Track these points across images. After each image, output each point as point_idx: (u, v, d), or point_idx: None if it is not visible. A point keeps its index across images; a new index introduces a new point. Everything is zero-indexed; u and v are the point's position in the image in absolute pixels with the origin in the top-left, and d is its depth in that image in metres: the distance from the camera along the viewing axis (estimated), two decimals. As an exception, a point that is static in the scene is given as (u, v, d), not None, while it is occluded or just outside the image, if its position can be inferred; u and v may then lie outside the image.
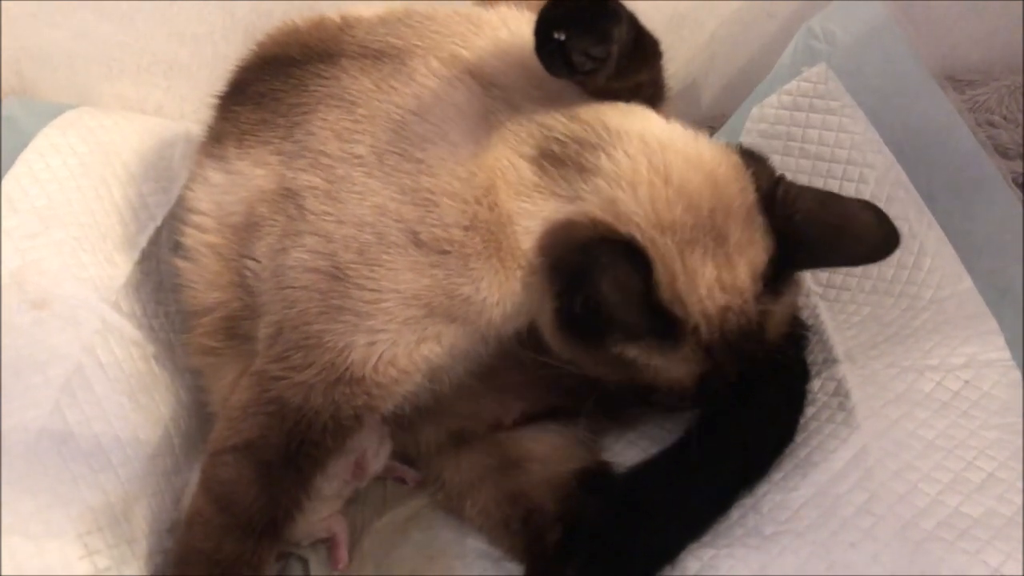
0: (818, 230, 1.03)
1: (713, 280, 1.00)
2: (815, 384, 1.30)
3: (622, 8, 0.97)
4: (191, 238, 1.22)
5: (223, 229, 1.18)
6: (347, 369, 1.07)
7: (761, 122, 1.54)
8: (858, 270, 1.41)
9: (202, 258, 1.21)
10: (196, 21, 1.68)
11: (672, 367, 1.04)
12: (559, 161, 1.03)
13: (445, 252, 1.04)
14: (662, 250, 0.99)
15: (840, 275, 1.43)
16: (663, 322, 1.00)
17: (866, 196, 1.41)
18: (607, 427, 1.36)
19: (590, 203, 1.01)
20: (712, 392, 1.06)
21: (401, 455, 1.38)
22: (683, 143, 1.05)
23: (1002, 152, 1.64)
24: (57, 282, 1.29)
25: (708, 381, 1.06)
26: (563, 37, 0.92)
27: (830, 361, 1.32)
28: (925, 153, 1.43)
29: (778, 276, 1.05)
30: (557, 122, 1.05)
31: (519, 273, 1.05)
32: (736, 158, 1.05)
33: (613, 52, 0.95)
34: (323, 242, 1.07)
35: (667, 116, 1.12)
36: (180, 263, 1.25)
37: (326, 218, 1.07)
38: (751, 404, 1.19)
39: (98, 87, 1.72)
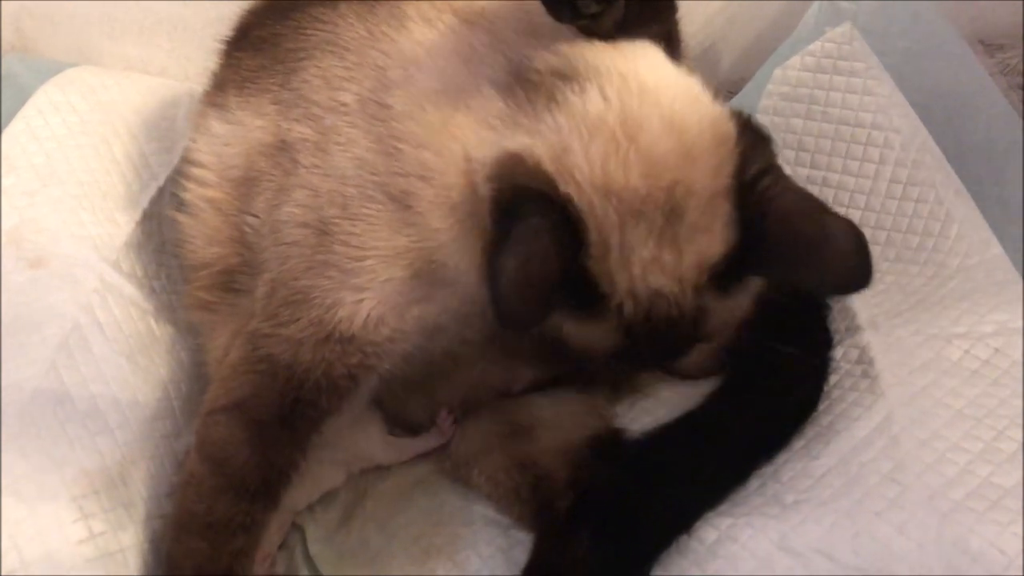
0: (788, 239, 0.89)
1: (650, 260, 0.89)
2: (838, 352, 1.26)
3: None
4: (191, 192, 1.20)
5: (223, 183, 1.16)
6: (335, 326, 1.03)
7: (783, 84, 1.49)
8: (882, 237, 1.37)
9: (201, 213, 1.19)
10: (200, -21, 1.65)
11: (586, 335, 0.97)
12: (532, 86, 0.95)
13: (408, 207, 0.98)
14: (600, 218, 0.89)
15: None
16: (586, 291, 0.91)
17: (891, 161, 1.39)
18: (621, 394, 1.33)
19: (544, 143, 0.91)
20: (624, 366, 0.99)
21: (409, 423, 1.35)
22: (670, 98, 0.93)
23: None
24: (55, 240, 1.27)
25: (622, 358, 0.98)
26: None
27: (853, 329, 1.28)
28: (953, 117, 1.39)
29: (731, 274, 0.93)
30: (539, 58, 0.97)
31: (477, 232, 0.95)
32: (730, 130, 0.93)
33: None
34: (311, 196, 1.04)
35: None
36: (180, 217, 1.22)
37: (315, 171, 1.04)
38: (773, 372, 1.16)
39: (100, 46, 1.69)
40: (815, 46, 1.47)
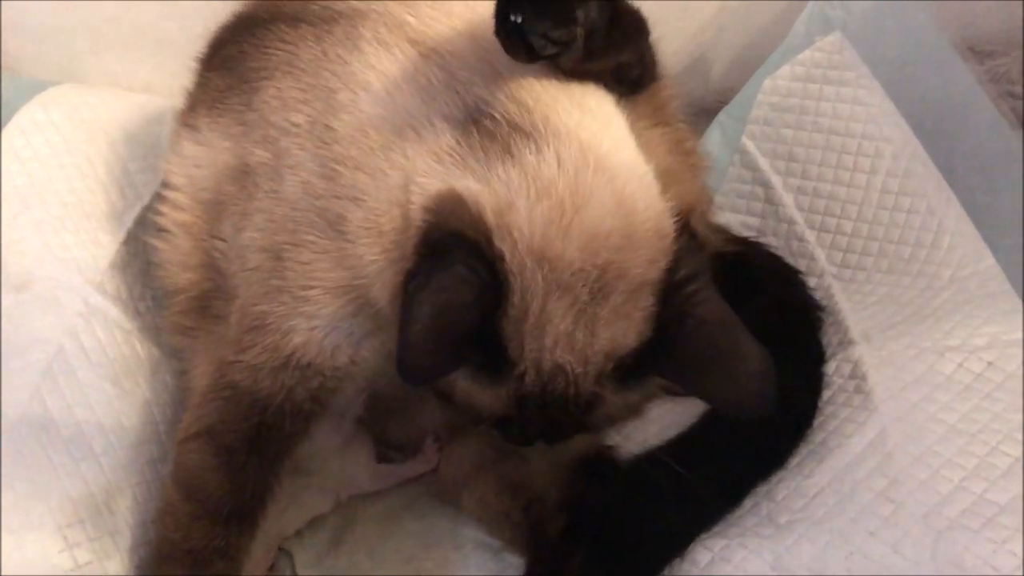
0: (700, 348, 0.89)
1: (564, 334, 0.88)
2: (830, 366, 1.25)
3: None
4: (166, 216, 1.19)
5: (195, 206, 1.15)
6: (292, 353, 1.02)
7: (773, 95, 1.48)
8: (874, 248, 1.36)
9: (174, 238, 1.18)
10: (185, -6, 1.62)
11: (476, 395, 0.95)
12: (489, 134, 0.92)
13: (342, 233, 0.96)
14: (528, 282, 0.87)
15: (855, 255, 1.38)
16: (491, 352, 0.90)
17: (882, 171, 1.37)
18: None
19: (491, 193, 0.89)
20: (500, 432, 0.99)
21: (397, 446, 1.34)
22: (624, 180, 0.91)
23: None
24: (39, 263, 1.25)
25: (502, 426, 0.98)
26: (519, 19, 0.84)
27: (845, 342, 1.27)
28: (944, 126, 1.39)
29: (635, 369, 0.92)
30: (496, 99, 0.94)
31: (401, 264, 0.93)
32: (671, 227, 0.92)
33: (577, 35, 0.87)
34: (268, 221, 1.03)
35: (650, 105, 1.07)
36: (155, 242, 1.22)
37: (271, 196, 1.03)
38: None
39: (84, 62, 1.67)
40: (805, 55, 1.46)
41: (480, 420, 0.99)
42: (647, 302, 0.90)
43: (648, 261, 0.90)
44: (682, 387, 0.96)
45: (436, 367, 0.88)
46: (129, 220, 1.39)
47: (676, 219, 0.94)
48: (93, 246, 1.32)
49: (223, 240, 1.11)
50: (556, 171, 0.89)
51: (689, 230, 0.95)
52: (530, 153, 0.90)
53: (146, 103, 1.57)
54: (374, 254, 0.95)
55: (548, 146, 0.90)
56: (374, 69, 1.00)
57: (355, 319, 1.01)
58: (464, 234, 0.87)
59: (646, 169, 0.96)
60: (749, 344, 0.88)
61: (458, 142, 0.92)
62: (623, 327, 0.89)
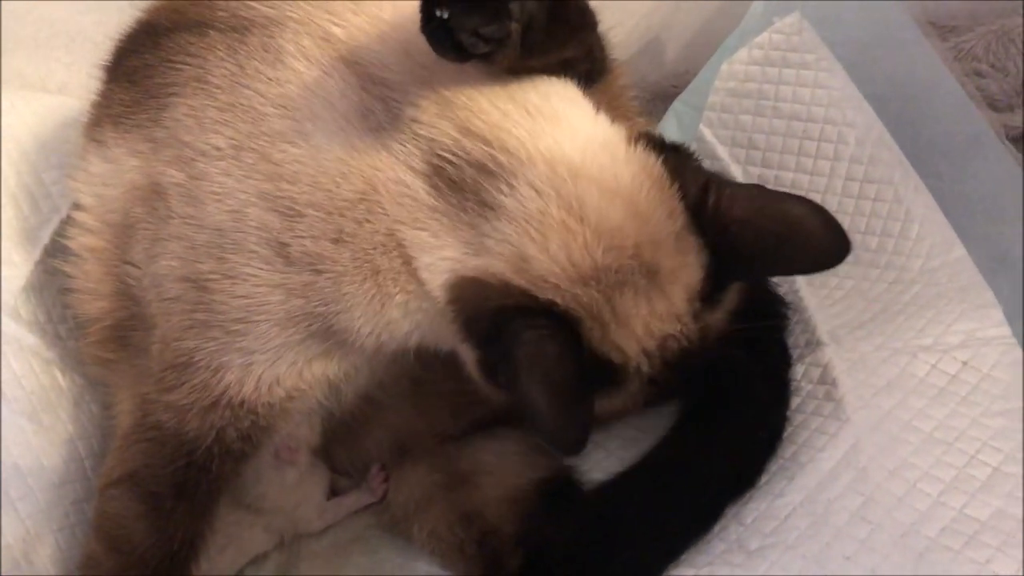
0: (757, 240, 0.91)
1: (648, 316, 0.91)
2: (798, 370, 1.22)
3: None
4: (74, 240, 1.12)
5: (104, 229, 1.08)
6: (224, 392, 0.98)
7: (731, 80, 1.43)
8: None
9: (84, 263, 1.11)
10: (100, -17, 1.53)
11: (615, 404, 0.97)
12: (456, 186, 0.90)
13: (318, 272, 0.93)
14: (587, 304, 0.88)
15: (820, 246, 1.33)
16: (602, 372, 0.91)
17: (846, 158, 1.34)
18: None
19: (499, 258, 0.89)
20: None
21: (342, 471, 1.28)
22: (599, 165, 0.91)
23: (992, 104, 1.57)
24: (-56, 289, 1.17)
25: (648, 404, 1.02)
26: (446, 15, 0.79)
27: (813, 344, 1.24)
28: (910, 109, 1.34)
29: (715, 288, 0.95)
30: (447, 136, 0.91)
31: (400, 298, 0.94)
32: (660, 170, 0.92)
33: (512, 31, 0.82)
34: (187, 248, 0.97)
35: (603, 99, 1.00)
36: (64, 267, 1.15)
37: (190, 221, 0.97)
38: (732, 402, 1.12)
39: (-11, 63, 1.56)
40: (763, 38, 1.41)
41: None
42: (690, 241, 0.91)
43: (667, 215, 0.91)
44: (766, 275, 1.08)
45: (582, 425, 0.89)
46: (45, 236, 1.29)
47: (655, 154, 0.94)
48: (6, 267, 1.23)
49: (136, 266, 1.04)
50: (540, 201, 0.89)
51: (669, 148, 0.96)
52: (505, 196, 0.89)
53: (60, 105, 1.46)
54: (364, 291, 0.94)
55: (517, 179, 0.89)
56: (312, 93, 0.94)
57: (300, 346, 0.98)
58: (506, 306, 0.88)
59: (609, 134, 0.95)
60: (794, 207, 0.91)
61: (435, 199, 0.91)
62: (686, 273, 0.92)
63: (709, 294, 0.93)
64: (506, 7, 0.81)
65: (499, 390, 0.94)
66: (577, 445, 0.89)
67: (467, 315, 0.90)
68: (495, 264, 0.89)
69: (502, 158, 0.89)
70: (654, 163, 0.92)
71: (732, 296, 0.99)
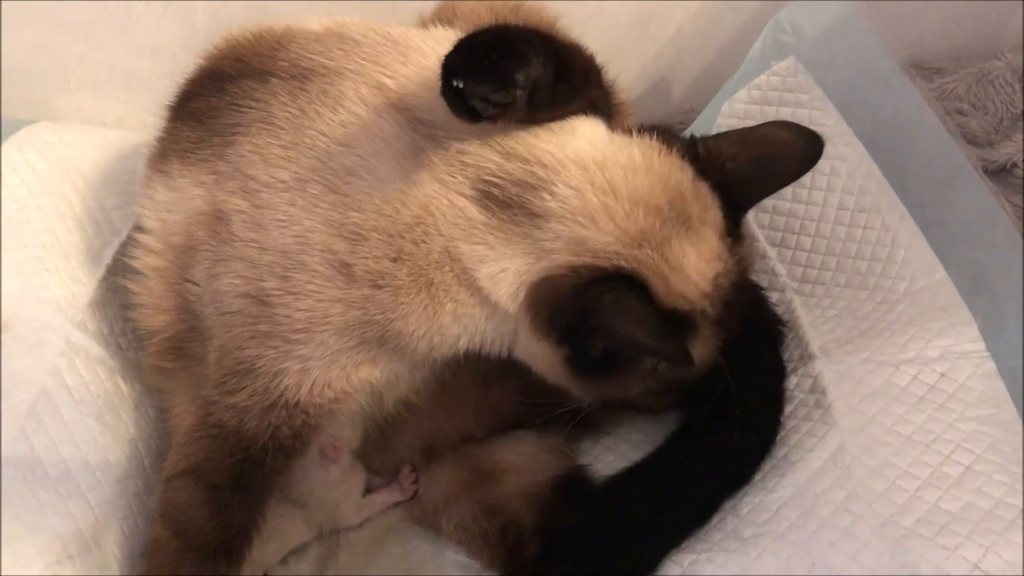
0: (748, 167, 1.08)
1: (696, 261, 1.02)
2: (791, 381, 1.29)
3: (533, 47, 0.92)
4: (139, 260, 1.21)
5: (167, 251, 1.17)
6: (281, 395, 1.07)
7: (731, 117, 1.53)
8: (832, 263, 1.41)
9: (148, 280, 1.20)
10: (155, 31, 1.65)
11: (699, 352, 1.06)
12: (504, 204, 1.02)
13: (378, 287, 1.03)
14: (647, 262, 1.00)
15: (815, 270, 1.42)
16: (676, 324, 1.02)
17: (838, 189, 1.42)
18: (582, 433, 1.35)
19: (559, 252, 1.00)
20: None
21: (375, 471, 1.37)
22: (616, 153, 1.04)
23: (972, 140, 1.64)
24: (19, 304, 1.26)
25: (724, 346, 1.11)
26: (461, 85, 0.89)
27: (806, 357, 1.31)
28: (896, 144, 1.42)
29: (734, 222, 1.08)
30: (490, 162, 1.02)
31: (450, 306, 1.05)
32: (659, 144, 1.07)
33: (518, 96, 0.91)
34: (249, 268, 1.06)
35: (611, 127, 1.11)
36: (129, 284, 1.24)
37: (252, 245, 1.06)
38: (730, 407, 1.18)
39: (56, 101, 1.68)
40: (761, 79, 1.51)
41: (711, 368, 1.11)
42: (702, 185, 1.06)
43: (678, 171, 1.05)
44: (766, 194, 1.16)
45: (684, 348, 1.01)
46: (107, 257, 1.40)
47: (648, 135, 1.07)
48: (73, 284, 1.33)
49: (196, 284, 1.13)
50: (578, 196, 1.01)
51: (662, 131, 1.09)
52: (549, 202, 1.01)
53: (119, 139, 1.58)
54: (420, 300, 1.04)
55: (556, 185, 1.01)
56: (372, 133, 1.04)
57: (352, 351, 1.07)
58: (579, 285, 0.99)
59: (619, 137, 1.08)
60: (766, 128, 1.10)
61: (487, 216, 1.02)
62: (711, 215, 1.05)
63: (732, 229, 1.07)
64: (512, 77, 0.90)
65: (587, 381, 1.07)
66: (689, 359, 1.00)
67: (547, 312, 1.01)
68: (557, 258, 1.00)
69: (540, 172, 1.01)
70: (652, 140, 1.07)
71: (747, 231, 1.14)
